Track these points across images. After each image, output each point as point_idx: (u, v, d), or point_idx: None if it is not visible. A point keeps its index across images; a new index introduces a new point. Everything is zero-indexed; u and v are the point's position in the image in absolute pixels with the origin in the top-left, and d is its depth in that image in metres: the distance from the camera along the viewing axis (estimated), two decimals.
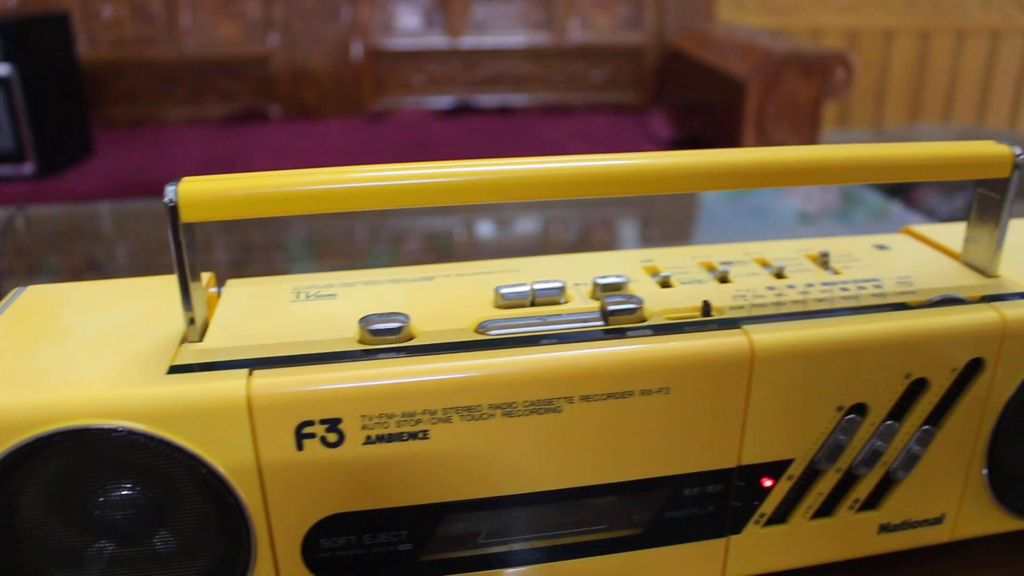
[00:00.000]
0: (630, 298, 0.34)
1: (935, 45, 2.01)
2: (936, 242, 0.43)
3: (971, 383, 0.36)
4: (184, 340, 0.33)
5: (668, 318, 0.35)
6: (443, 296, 0.37)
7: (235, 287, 0.38)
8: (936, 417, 0.37)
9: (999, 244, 0.39)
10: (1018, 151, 0.37)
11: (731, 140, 1.36)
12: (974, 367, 0.36)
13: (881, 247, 0.43)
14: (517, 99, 1.73)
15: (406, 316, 0.33)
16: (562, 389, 0.32)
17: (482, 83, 1.72)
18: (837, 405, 0.35)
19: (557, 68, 1.72)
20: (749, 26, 1.75)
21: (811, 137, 1.35)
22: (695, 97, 1.59)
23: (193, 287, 0.32)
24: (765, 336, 0.33)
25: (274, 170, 0.32)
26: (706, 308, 0.35)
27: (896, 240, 0.44)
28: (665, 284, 0.38)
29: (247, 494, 0.31)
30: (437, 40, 1.70)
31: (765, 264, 0.40)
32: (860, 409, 0.35)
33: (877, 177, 0.36)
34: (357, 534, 0.33)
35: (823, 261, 0.40)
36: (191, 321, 0.33)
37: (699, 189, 0.34)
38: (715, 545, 0.36)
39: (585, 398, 0.32)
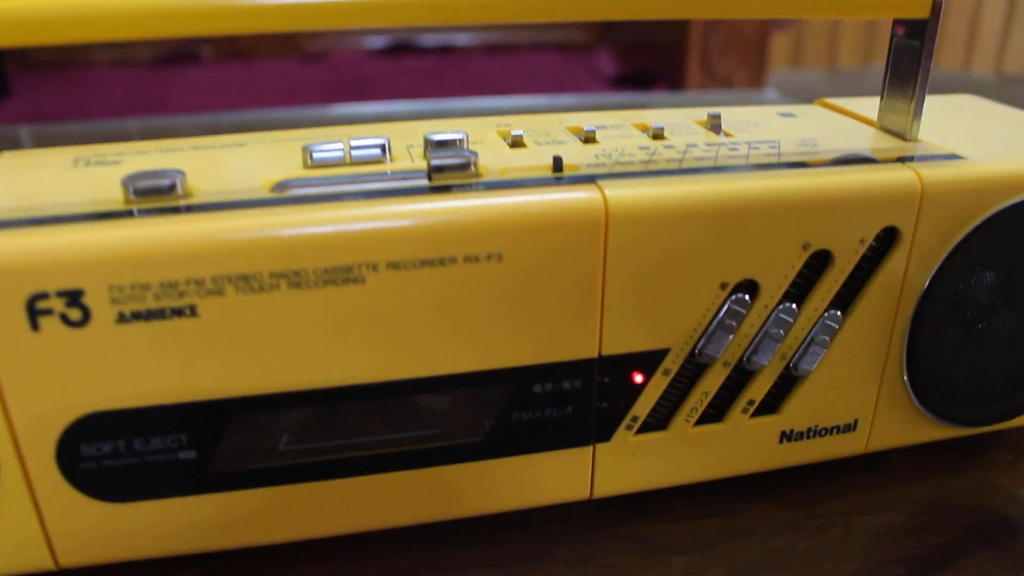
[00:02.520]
0: (461, 152, 0.28)
1: None
2: (853, 112, 0.37)
3: (884, 259, 0.30)
4: None
5: (508, 175, 0.28)
6: (245, 159, 0.30)
7: (8, 158, 0.31)
8: (844, 301, 0.31)
9: (919, 103, 0.32)
10: None
11: (676, 75, 1.30)
12: (888, 240, 0.30)
13: (787, 115, 0.36)
14: (459, 38, 1.65)
15: (180, 172, 0.27)
16: (363, 253, 0.25)
17: None
18: (720, 282, 0.28)
19: None
20: None
21: (758, 72, 1.29)
22: (641, 33, 1.52)
23: None
24: (624, 192, 0.27)
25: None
26: (557, 164, 0.29)
27: (806, 110, 0.38)
28: (517, 144, 0.31)
29: None
30: None
31: (644, 128, 0.33)
32: (750, 289, 0.29)
33: (785, 11, 0.29)
34: (125, 438, 0.26)
35: (713, 124, 0.33)
36: None
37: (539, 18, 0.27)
38: (579, 455, 0.30)
39: (393, 265, 0.25)
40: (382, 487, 0.29)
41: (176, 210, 0.25)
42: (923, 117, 0.35)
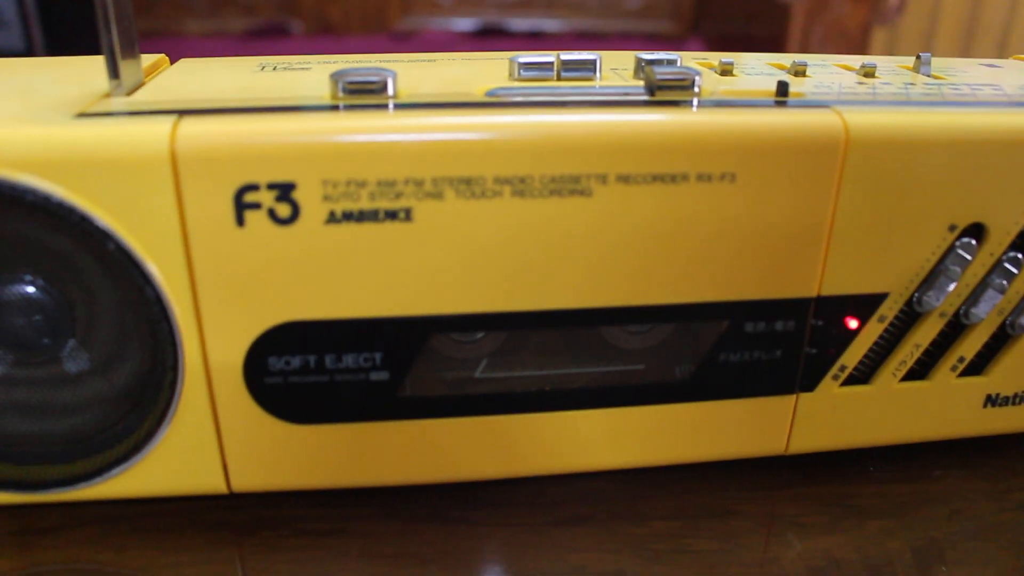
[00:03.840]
0: (687, 69, 0.26)
1: None
2: None
3: None
4: (106, 97, 0.25)
5: (734, 96, 0.27)
6: (448, 71, 0.29)
7: (189, 63, 0.31)
8: None
9: None
10: None
11: None
12: None
13: (991, 65, 0.34)
14: (549, 24, 1.63)
15: (392, 72, 0.25)
16: (593, 163, 0.24)
17: (513, 6, 1.63)
18: (949, 223, 0.26)
19: None
20: None
21: None
22: (736, 25, 1.49)
23: (124, 54, 0.25)
24: (864, 117, 0.25)
25: None
26: (782, 88, 0.27)
27: (1007, 62, 0.35)
28: (726, 72, 0.30)
29: (170, 284, 0.23)
30: None
31: (850, 69, 0.31)
32: (978, 233, 0.27)
33: None
34: (317, 353, 0.25)
35: (923, 67, 0.31)
36: (114, 73, 0.25)
37: None
38: (780, 404, 0.28)
39: (623, 178, 0.24)
40: (577, 426, 0.27)
41: (390, 108, 0.24)
42: None
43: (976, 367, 0.30)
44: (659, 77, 0.26)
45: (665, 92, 0.26)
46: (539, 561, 0.27)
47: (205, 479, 0.27)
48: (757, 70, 0.30)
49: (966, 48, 1.88)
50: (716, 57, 0.31)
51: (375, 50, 1.56)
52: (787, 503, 0.29)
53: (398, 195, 0.23)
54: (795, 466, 0.31)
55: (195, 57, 0.32)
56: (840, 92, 0.27)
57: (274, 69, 0.29)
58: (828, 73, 0.30)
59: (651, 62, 0.28)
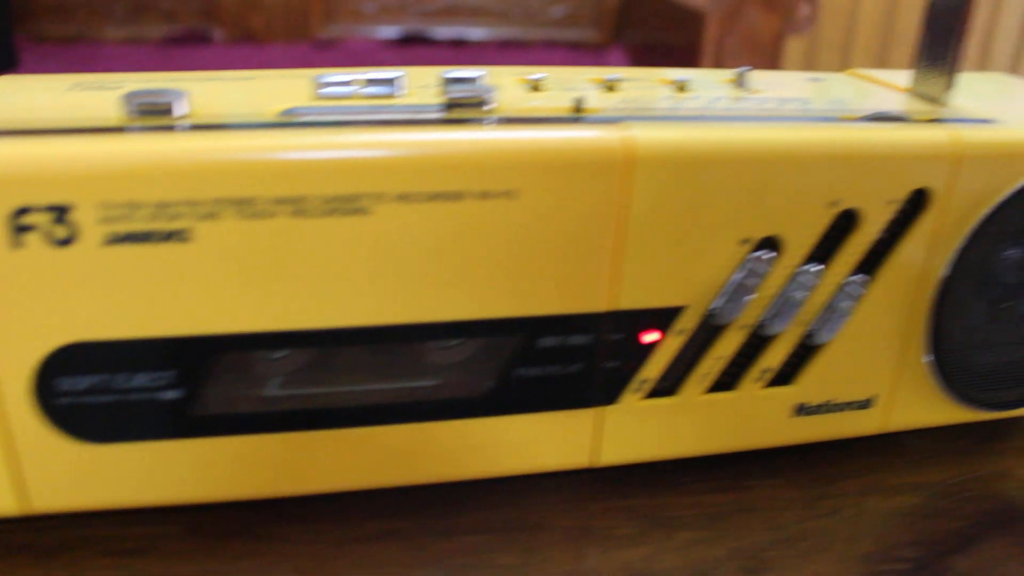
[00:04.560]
0: (477, 87, 0.26)
1: None
2: (883, 80, 0.36)
3: (914, 222, 0.29)
4: None
5: (528, 113, 0.27)
6: (253, 89, 0.29)
7: (6, 81, 0.30)
8: (870, 265, 0.29)
9: (955, 64, 0.31)
10: None
11: None
12: (917, 203, 0.29)
13: (816, 79, 0.35)
14: (473, 32, 1.63)
15: (183, 92, 0.25)
16: (370, 182, 0.24)
17: (437, 14, 1.63)
18: (742, 237, 0.27)
19: (515, 2, 1.63)
20: None
21: None
22: (655, 34, 1.50)
23: None
24: (650, 133, 0.25)
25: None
26: (578, 105, 0.27)
27: (835, 76, 0.36)
28: (536, 88, 0.30)
29: None
30: None
31: (668, 83, 0.32)
32: (773, 246, 0.28)
33: None
34: (107, 372, 0.25)
35: (740, 81, 0.32)
36: None
37: None
38: (583, 418, 0.28)
39: (402, 197, 0.24)
40: (376, 441, 0.27)
41: (176, 129, 0.24)
42: (957, 89, 0.34)
43: (784, 377, 0.30)
44: (450, 96, 0.26)
45: (458, 110, 0.26)
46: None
47: (4, 501, 0.26)
48: (568, 85, 0.30)
49: (882, 57, 1.92)
50: (531, 72, 0.31)
51: (297, 59, 1.55)
52: (599, 516, 0.30)
53: (175, 216, 0.23)
54: (609, 479, 0.31)
55: (111, 64, 0.31)
56: (638, 108, 0.28)
57: (86, 88, 0.28)
58: (639, 88, 0.30)
59: (450, 80, 0.28)
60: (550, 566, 0.27)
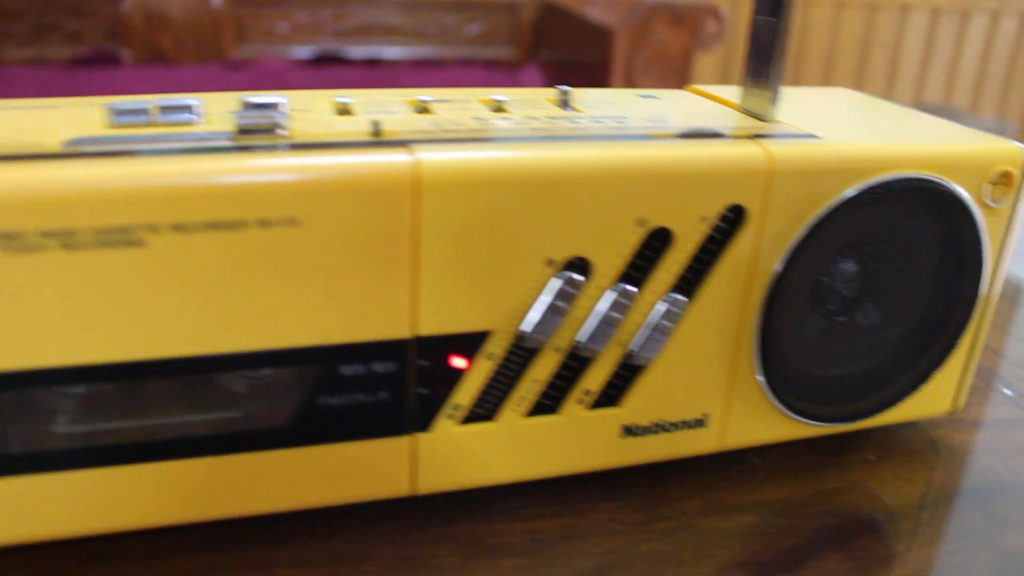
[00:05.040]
0: (269, 113, 0.25)
1: (814, 13, 1.98)
2: (721, 97, 0.36)
3: (731, 240, 0.28)
4: None
5: (320, 138, 0.26)
6: (48, 118, 0.27)
7: None
8: (689, 285, 0.29)
9: (776, 80, 0.31)
10: None
11: None
12: (735, 219, 0.28)
13: (649, 96, 0.35)
14: (388, 51, 1.62)
15: None
16: (143, 213, 0.22)
17: (351, 33, 1.62)
18: (546, 258, 0.26)
19: (431, 21, 1.63)
20: None
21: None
22: (568, 52, 1.51)
23: None
24: (439, 157, 0.24)
25: None
26: (375, 128, 0.26)
27: (672, 93, 0.36)
28: (344, 112, 0.29)
29: None
30: None
31: (488, 103, 0.31)
32: (582, 267, 0.27)
33: None
34: None
35: (563, 100, 0.32)
36: None
37: None
38: (397, 446, 0.27)
39: (178, 227, 0.23)
40: (179, 476, 0.26)
41: None
42: (792, 104, 0.34)
43: (611, 398, 0.30)
44: (241, 122, 0.25)
45: (248, 137, 0.25)
46: None
47: None
48: (379, 109, 0.29)
49: (795, 73, 1.97)
50: (355, 96, 0.30)
51: (208, 80, 1.52)
52: (424, 544, 0.29)
53: None
54: (436, 508, 0.30)
55: (13, 87, 0.29)
56: (441, 130, 0.27)
57: None
58: (452, 110, 0.30)
59: (247, 105, 0.26)
60: None
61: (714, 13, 1.27)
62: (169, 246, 0.23)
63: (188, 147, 0.24)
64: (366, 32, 1.61)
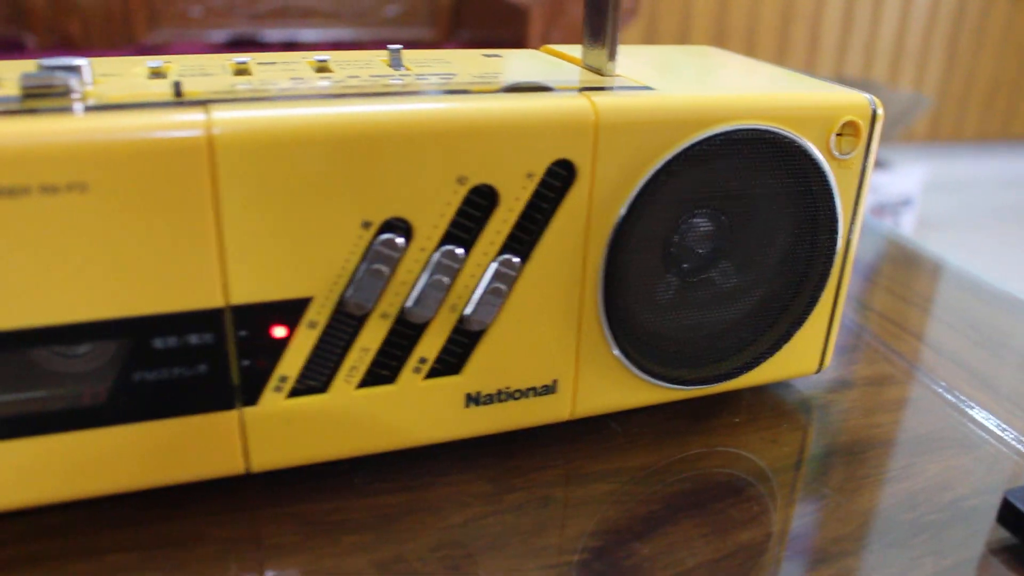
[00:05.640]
0: (66, 75, 0.24)
1: None
2: (570, 56, 0.35)
3: (563, 197, 0.28)
4: None
5: (116, 100, 0.24)
6: None
7: None
8: (521, 245, 0.28)
9: (613, 34, 0.30)
10: None
11: None
12: (567, 176, 0.27)
13: (493, 55, 0.34)
14: (305, 34, 1.59)
15: None
16: None
17: (266, 16, 1.59)
18: (361, 220, 0.25)
19: (348, 2, 1.60)
20: None
21: None
22: (485, 31, 1.50)
23: None
24: (233, 115, 0.23)
25: None
26: (176, 89, 0.25)
27: (521, 52, 0.35)
28: (156, 75, 0.27)
29: None
30: None
31: (313, 64, 0.30)
32: (403, 229, 0.26)
33: None
34: None
35: (394, 60, 0.30)
36: None
37: None
38: (223, 421, 0.26)
39: None
40: None
41: None
42: (642, 61, 0.33)
43: (452, 367, 0.29)
44: (26, 84, 0.23)
45: (36, 100, 0.23)
46: None
47: None
48: (195, 72, 0.28)
49: (718, 43, 1.97)
50: (172, 60, 0.29)
51: None
52: (262, 524, 0.28)
53: None
54: (274, 485, 0.29)
55: None
56: (250, 91, 0.26)
57: None
58: (273, 71, 0.28)
59: (43, 68, 0.25)
60: None
61: None
62: None
63: None
64: (282, 14, 1.58)
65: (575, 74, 0.31)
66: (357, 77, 0.28)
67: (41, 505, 0.26)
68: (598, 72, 0.31)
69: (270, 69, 0.29)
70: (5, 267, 0.22)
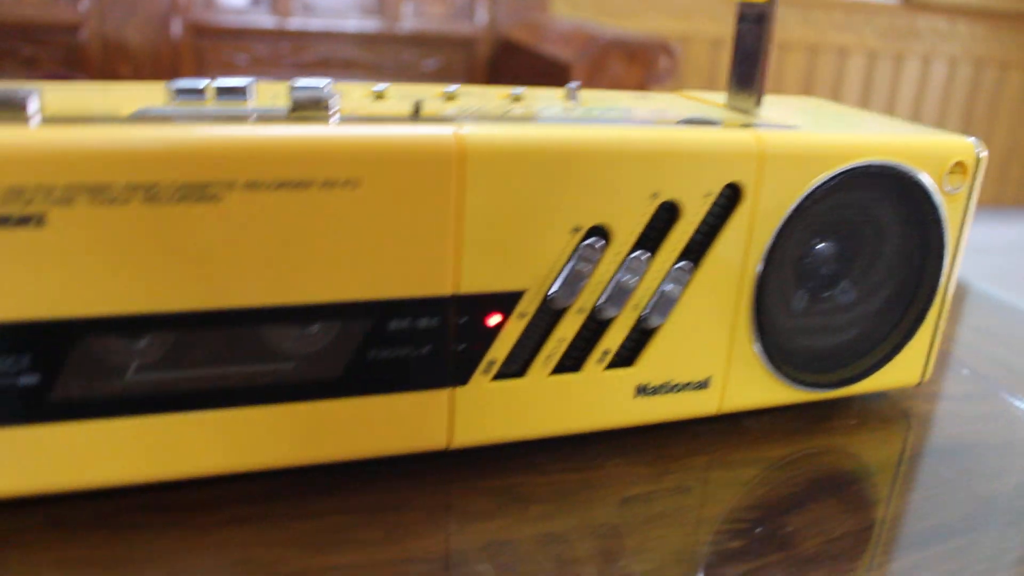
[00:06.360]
0: (323, 91, 0.28)
1: None
2: (710, 100, 0.39)
3: (731, 214, 0.32)
4: None
5: (368, 114, 0.29)
6: (108, 95, 0.30)
7: None
8: (694, 253, 0.32)
9: (761, 80, 0.35)
10: None
11: None
12: (733, 197, 0.32)
13: (643, 96, 0.38)
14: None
15: (35, 90, 0.26)
16: (220, 170, 0.25)
17: (309, 66, 1.65)
18: (573, 225, 0.29)
19: (389, 55, 1.67)
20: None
21: None
22: (525, 86, 1.56)
23: None
24: (478, 131, 0.28)
25: None
26: (416, 109, 0.29)
27: (664, 96, 0.40)
28: (380, 97, 0.32)
29: None
30: (263, 19, 1.62)
31: (506, 96, 0.34)
32: (603, 235, 0.30)
33: None
34: None
35: (570, 95, 0.35)
36: None
37: None
38: (437, 399, 0.30)
39: (251, 185, 0.25)
40: (235, 424, 0.28)
41: (30, 123, 0.25)
42: (769, 107, 0.38)
43: (626, 359, 0.33)
44: (295, 97, 0.28)
45: (302, 111, 0.28)
46: (204, 559, 0.27)
47: None
48: (409, 96, 0.32)
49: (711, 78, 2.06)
50: (385, 86, 0.33)
51: None
52: (456, 495, 0.31)
53: (29, 201, 0.24)
54: (464, 462, 0.32)
55: None
56: (473, 113, 0.30)
57: None
58: (476, 99, 0.33)
59: (300, 86, 0.29)
60: (413, 539, 0.29)
61: (666, 50, 1.33)
62: (242, 202, 0.25)
63: (248, 116, 0.27)
64: (324, 65, 1.64)
65: (727, 114, 0.35)
66: (550, 107, 0.32)
67: (275, 468, 0.30)
68: (745, 113, 0.35)
69: (471, 98, 0.33)
70: (286, 249, 0.26)
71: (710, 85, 1.91)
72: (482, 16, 1.70)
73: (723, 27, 2.05)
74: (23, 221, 0.24)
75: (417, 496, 0.31)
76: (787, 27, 2.12)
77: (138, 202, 0.25)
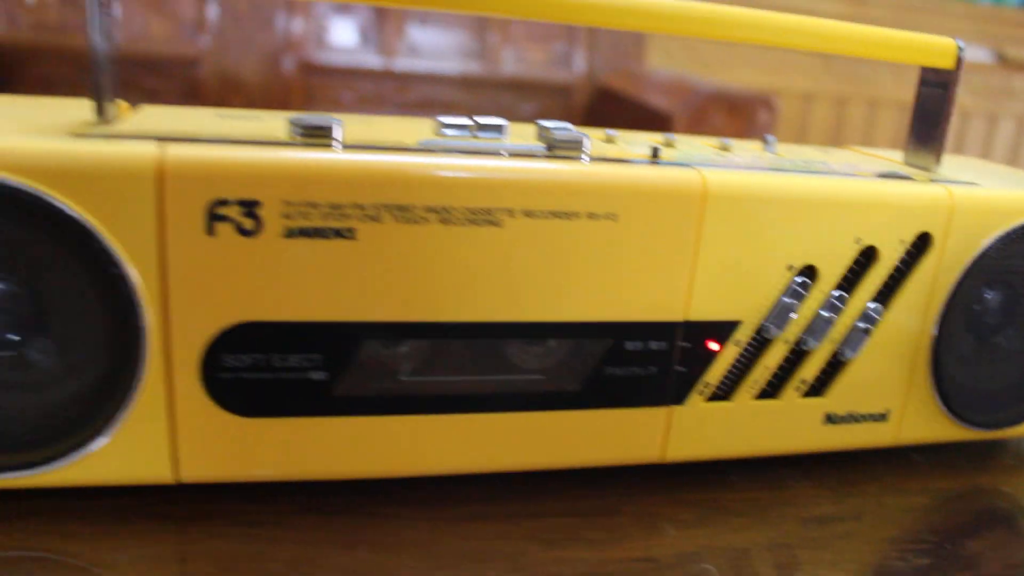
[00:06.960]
0: (578, 133, 0.32)
1: (850, 111, 2.10)
2: (877, 155, 0.43)
3: (919, 261, 0.35)
4: (92, 125, 0.30)
5: (615, 155, 0.33)
6: (383, 127, 0.34)
7: (150, 109, 0.35)
8: (885, 295, 0.35)
9: (942, 141, 0.38)
10: (962, 44, 0.37)
11: None
12: (922, 245, 0.35)
13: (825, 150, 0.42)
14: None
15: (338, 120, 0.31)
16: (503, 198, 0.29)
17: (412, 106, 1.71)
18: (788, 263, 0.33)
19: (488, 98, 1.73)
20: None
21: None
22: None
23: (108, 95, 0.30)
24: (718, 175, 0.31)
25: None
26: (655, 152, 0.33)
27: (837, 151, 0.43)
28: (610, 141, 0.36)
29: (146, 283, 0.27)
30: (371, 59, 1.69)
31: (716, 145, 0.38)
32: (811, 274, 0.34)
33: (825, 45, 0.35)
34: (266, 352, 0.29)
35: (768, 147, 0.39)
36: (99, 110, 0.30)
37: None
38: (657, 415, 0.33)
39: (528, 213, 0.29)
40: (487, 428, 0.32)
41: (335, 147, 0.29)
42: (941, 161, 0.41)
43: (817, 388, 0.36)
44: (556, 137, 0.32)
45: (560, 149, 0.32)
46: (453, 548, 0.31)
47: (155, 470, 0.30)
48: (634, 141, 0.36)
49: None
50: (600, 131, 0.37)
51: None
52: (663, 505, 0.34)
53: (344, 216, 0.28)
54: (666, 476, 0.36)
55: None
56: (701, 158, 0.34)
57: (231, 117, 0.34)
58: (692, 147, 0.37)
59: (548, 128, 0.33)
60: (631, 541, 0.32)
61: (766, 103, 1.36)
62: (519, 227, 0.29)
63: (519, 152, 0.31)
64: (426, 105, 1.71)
65: (911, 170, 0.38)
66: (763, 157, 0.36)
67: (503, 472, 0.33)
68: (926, 170, 0.39)
69: (687, 145, 0.37)
70: (553, 272, 0.30)
71: (800, 139, 1.94)
72: (580, 64, 1.75)
73: (813, 82, 2.07)
74: (338, 233, 0.28)
75: (627, 503, 0.34)
76: (880, 85, 2.14)
77: (434, 222, 0.29)
